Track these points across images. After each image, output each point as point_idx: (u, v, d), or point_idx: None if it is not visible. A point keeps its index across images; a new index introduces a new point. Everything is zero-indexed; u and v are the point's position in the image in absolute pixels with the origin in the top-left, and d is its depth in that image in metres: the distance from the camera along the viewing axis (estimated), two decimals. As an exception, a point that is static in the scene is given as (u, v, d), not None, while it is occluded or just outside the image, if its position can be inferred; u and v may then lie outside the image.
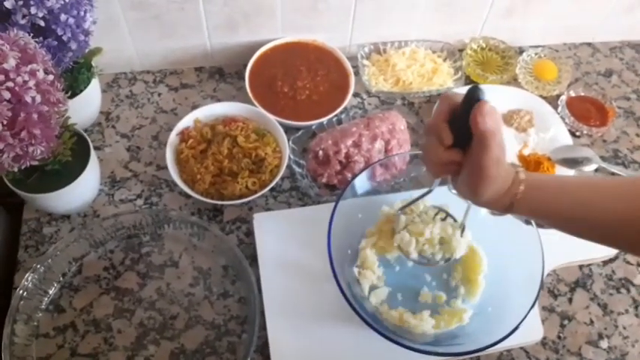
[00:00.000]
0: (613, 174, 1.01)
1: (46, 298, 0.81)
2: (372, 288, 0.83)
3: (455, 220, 0.80)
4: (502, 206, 0.63)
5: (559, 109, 1.08)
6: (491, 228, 0.83)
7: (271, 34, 1.05)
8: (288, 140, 0.94)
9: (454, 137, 0.59)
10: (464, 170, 0.61)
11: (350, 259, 0.84)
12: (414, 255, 0.79)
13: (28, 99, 0.62)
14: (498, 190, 0.61)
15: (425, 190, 0.74)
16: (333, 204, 0.80)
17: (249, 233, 0.89)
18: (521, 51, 1.15)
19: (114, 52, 0.99)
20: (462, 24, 1.12)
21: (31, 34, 0.68)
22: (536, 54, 1.15)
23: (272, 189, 0.93)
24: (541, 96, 1.09)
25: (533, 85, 1.11)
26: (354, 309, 0.72)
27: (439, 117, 0.60)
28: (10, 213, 0.93)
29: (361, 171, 0.84)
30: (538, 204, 0.63)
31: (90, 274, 0.84)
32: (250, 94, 0.99)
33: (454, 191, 0.66)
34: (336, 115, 1.00)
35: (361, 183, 0.84)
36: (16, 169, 0.68)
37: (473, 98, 0.56)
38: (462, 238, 0.78)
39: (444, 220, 0.80)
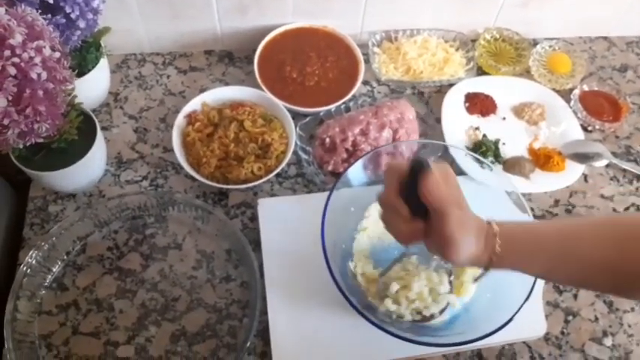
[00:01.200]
0: (624, 170, 1.00)
1: (50, 276, 0.82)
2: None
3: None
4: (482, 264, 0.60)
5: (572, 103, 1.06)
6: (490, 214, 0.82)
7: (282, 18, 1.04)
8: (296, 126, 0.94)
9: (411, 207, 0.58)
10: (430, 237, 0.59)
11: (346, 253, 0.83)
12: (408, 317, 0.76)
13: (34, 75, 0.62)
14: (472, 250, 0.58)
15: (400, 252, 0.73)
16: (337, 192, 0.79)
17: (254, 218, 0.89)
18: (535, 43, 1.13)
19: (124, 32, 0.98)
20: (476, 13, 1.10)
21: (40, 11, 0.67)
22: (550, 47, 1.13)
23: (277, 175, 0.93)
24: (554, 89, 1.07)
25: (546, 78, 1.09)
26: (351, 303, 0.72)
27: (390, 191, 0.58)
28: (17, 190, 0.94)
29: (357, 158, 0.82)
30: (517, 257, 0.60)
31: (93, 253, 0.85)
32: (259, 79, 0.98)
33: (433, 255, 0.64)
34: (344, 103, 0.99)
35: (358, 173, 0.83)
36: (20, 146, 0.68)
37: (417, 172, 0.55)
38: (448, 289, 0.76)
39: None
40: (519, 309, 0.71)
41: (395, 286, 0.75)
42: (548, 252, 0.59)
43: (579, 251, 0.58)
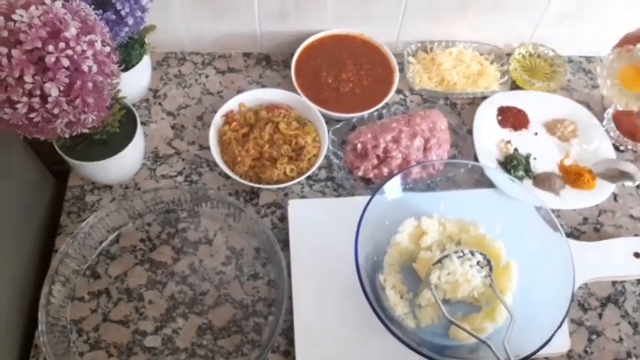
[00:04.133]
0: (656, 192, 0.99)
1: (84, 264, 0.84)
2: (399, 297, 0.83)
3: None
4: None
5: (605, 121, 1.06)
6: (522, 241, 0.84)
7: (320, 25, 1.06)
8: (329, 131, 0.95)
9: None
10: None
11: (377, 266, 0.84)
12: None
13: (85, 68, 0.64)
14: None
15: None
16: (367, 197, 0.81)
17: (283, 219, 0.91)
18: (570, 60, 1.13)
19: (166, 31, 1.01)
20: (512, 28, 1.10)
21: (92, 7, 0.70)
22: (585, 64, 1.13)
23: (308, 177, 0.94)
24: (587, 107, 1.07)
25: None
26: (380, 318, 0.73)
27: None
28: (57, 179, 0.97)
29: (392, 170, 0.84)
30: None
31: (127, 244, 0.87)
32: (295, 83, 1.00)
33: None
34: (377, 110, 1.01)
35: (395, 187, 0.85)
36: (67, 135, 0.71)
37: None
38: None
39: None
40: (542, 346, 0.73)
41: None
42: None
43: None
